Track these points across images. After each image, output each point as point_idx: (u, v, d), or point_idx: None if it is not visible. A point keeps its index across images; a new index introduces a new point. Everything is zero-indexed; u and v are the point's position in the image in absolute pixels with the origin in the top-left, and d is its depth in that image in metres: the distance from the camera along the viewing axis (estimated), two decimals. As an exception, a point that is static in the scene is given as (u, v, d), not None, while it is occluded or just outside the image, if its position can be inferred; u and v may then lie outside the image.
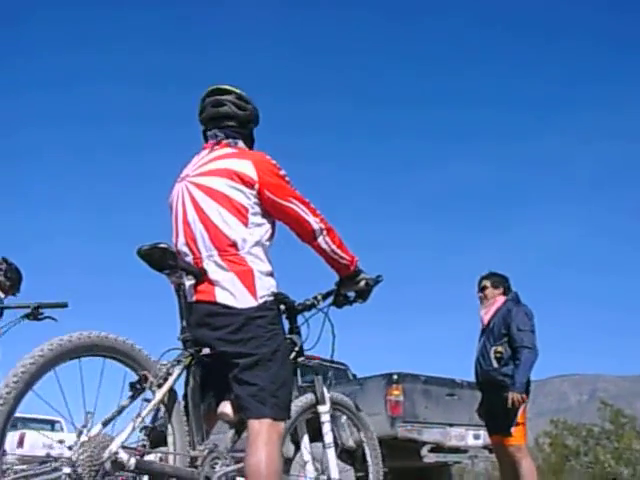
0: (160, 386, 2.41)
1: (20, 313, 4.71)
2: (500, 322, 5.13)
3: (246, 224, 2.56)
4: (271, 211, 2.64)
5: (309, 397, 2.94)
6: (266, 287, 2.56)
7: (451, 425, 7.85)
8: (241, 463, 2.53)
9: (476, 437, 7.98)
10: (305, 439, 2.93)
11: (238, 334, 2.47)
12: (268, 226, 2.65)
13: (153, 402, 2.38)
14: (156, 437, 2.50)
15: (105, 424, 2.32)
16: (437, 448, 7.75)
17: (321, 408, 2.92)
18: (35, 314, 4.64)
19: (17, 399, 2.05)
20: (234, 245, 2.54)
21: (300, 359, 2.83)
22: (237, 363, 2.47)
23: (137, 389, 2.41)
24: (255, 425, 2.41)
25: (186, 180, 2.70)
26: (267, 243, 2.64)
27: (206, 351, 2.55)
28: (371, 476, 3.23)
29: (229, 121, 2.76)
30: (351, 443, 5.81)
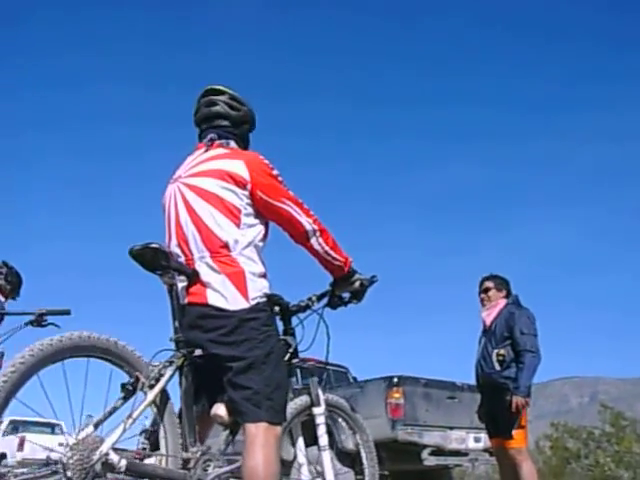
0: (152, 387, 2.39)
1: (24, 319, 4.74)
2: (503, 325, 5.12)
3: (238, 225, 2.55)
4: (263, 212, 2.62)
5: (304, 399, 2.91)
6: (258, 288, 2.54)
7: (452, 428, 7.83)
8: (234, 464, 2.51)
9: (477, 440, 7.97)
10: (300, 441, 2.90)
11: (231, 336, 2.46)
12: (261, 227, 2.63)
13: (144, 403, 2.36)
14: (156, 440, 2.50)
15: (96, 426, 2.31)
16: (438, 451, 7.73)
17: (316, 410, 2.89)
18: (39, 321, 4.68)
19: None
20: (226, 246, 2.52)
21: (295, 361, 2.81)
22: (230, 367, 2.45)
23: (129, 390, 2.39)
24: (252, 429, 2.39)
25: (178, 181, 2.69)
26: (260, 244, 2.62)
27: (199, 352, 2.54)
28: (367, 479, 3.21)
29: (222, 120, 2.76)
30: (351, 446, 5.80)
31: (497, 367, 5.07)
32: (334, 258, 2.72)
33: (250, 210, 2.59)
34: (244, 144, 2.81)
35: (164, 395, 2.47)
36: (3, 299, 5.13)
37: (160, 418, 2.46)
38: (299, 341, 2.85)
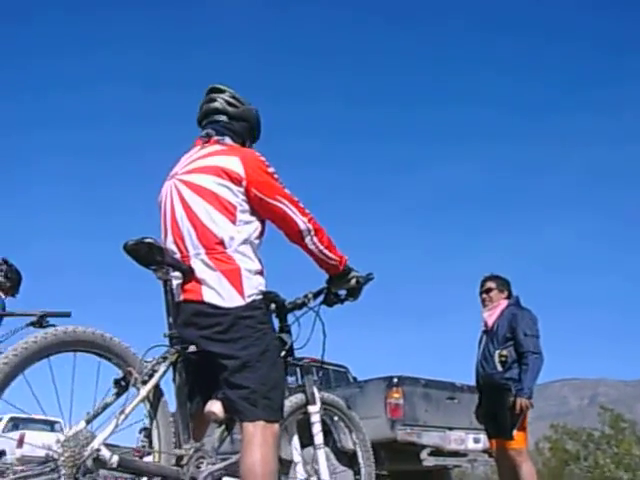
0: (145, 383, 2.37)
1: (26, 320, 4.76)
2: (505, 326, 5.11)
3: (234, 222, 2.54)
4: (258, 209, 2.60)
5: (299, 397, 2.90)
6: (254, 286, 2.53)
7: (451, 429, 7.84)
8: (227, 461, 2.51)
9: (476, 441, 7.98)
10: (295, 440, 2.89)
11: (226, 334, 2.45)
12: (257, 224, 2.62)
13: (137, 399, 2.34)
14: (150, 437, 2.49)
15: (88, 422, 2.30)
16: (437, 451, 7.75)
17: (311, 408, 2.88)
18: (40, 322, 4.70)
19: None
20: (221, 243, 2.51)
21: (289, 358, 2.80)
22: (226, 365, 2.44)
23: (122, 386, 2.38)
24: (249, 428, 2.39)
25: (175, 178, 2.69)
26: (256, 241, 2.61)
27: (193, 348, 2.52)
28: (363, 478, 3.20)
29: (219, 116, 2.79)
30: (350, 445, 5.82)
31: (499, 368, 5.06)
32: (329, 257, 2.72)
33: (246, 207, 2.58)
34: (241, 141, 2.80)
35: (157, 391, 2.45)
36: (3, 296, 5.14)
37: (153, 414, 2.45)
38: (295, 339, 2.84)
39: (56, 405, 2.24)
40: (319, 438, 2.84)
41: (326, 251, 2.69)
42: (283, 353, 2.72)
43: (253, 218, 2.61)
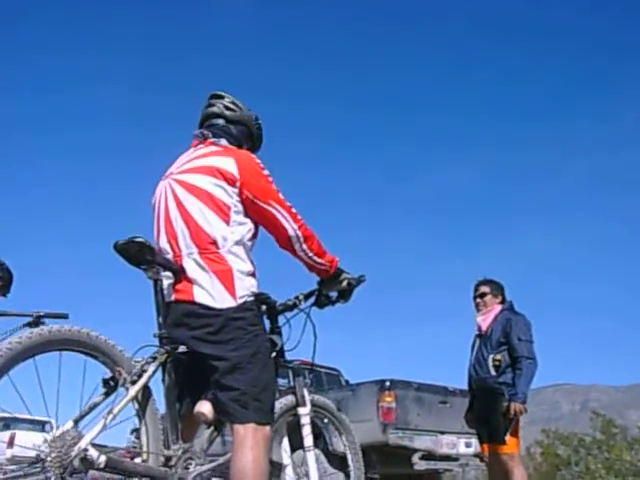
0: (134, 383, 2.36)
1: (22, 321, 4.73)
2: (499, 330, 5.11)
3: (227, 222, 2.53)
4: (249, 211, 2.60)
5: (289, 399, 2.90)
6: (246, 287, 2.52)
7: (443, 433, 7.83)
8: (215, 462, 2.50)
9: (468, 445, 7.98)
10: (285, 442, 2.89)
11: (217, 335, 2.44)
12: (251, 225, 2.62)
13: (126, 399, 2.33)
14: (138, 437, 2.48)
15: (76, 422, 2.29)
16: (428, 455, 7.74)
17: (301, 410, 2.87)
18: (37, 323, 4.67)
19: None
20: (214, 243, 2.50)
21: (280, 360, 2.80)
22: (216, 366, 2.43)
23: (110, 386, 2.37)
24: (240, 430, 2.38)
25: (170, 177, 2.69)
26: (249, 243, 2.61)
27: (183, 348, 2.52)
28: None
29: (217, 119, 2.82)
30: (340, 448, 5.81)
31: (493, 372, 5.06)
32: (319, 263, 2.73)
33: (240, 208, 2.57)
34: (238, 144, 2.80)
35: (146, 391, 2.45)
36: (-6, 295, 5.10)
37: (142, 415, 2.44)
38: (286, 340, 2.84)
39: (44, 405, 2.23)
40: (309, 440, 2.83)
41: (316, 257, 2.70)
42: (273, 355, 2.71)
43: (247, 220, 2.60)
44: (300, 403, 2.89)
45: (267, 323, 2.78)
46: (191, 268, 2.50)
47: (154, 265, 2.49)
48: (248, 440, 2.36)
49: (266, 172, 2.63)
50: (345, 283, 2.87)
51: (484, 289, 5.38)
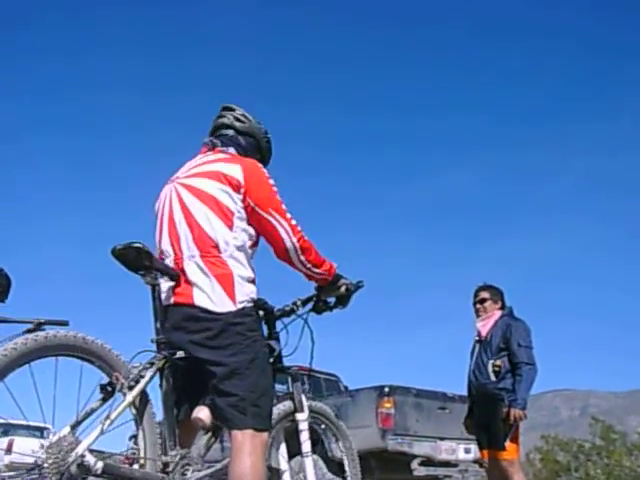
0: (131, 388, 2.36)
1: (22, 328, 4.71)
2: (499, 336, 5.10)
3: (231, 227, 2.55)
4: (250, 219, 2.61)
5: (287, 405, 2.89)
6: (246, 293, 2.54)
7: (442, 439, 7.83)
8: (212, 468, 2.50)
9: (467, 451, 7.97)
10: (282, 448, 2.88)
11: (215, 340, 2.45)
12: (253, 232, 2.64)
13: (123, 404, 2.32)
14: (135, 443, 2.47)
15: (73, 427, 2.28)
16: (427, 461, 7.74)
17: (299, 416, 2.87)
18: (37, 329, 4.65)
19: None
20: (216, 247, 2.52)
21: (278, 365, 2.80)
22: (214, 371, 2.44)
23: (108, 391, 2.36)
24: (238, 436, 2.38)
25: (176, 181, 2.71)
26: (250, 250, 2.63)
27: (180, 354, 2.51)
28: None
29: (226, 130, 2.87)
30: (338, 454, 5.80)
31: (492, 378, 5.05)
32: (317, 273, 2.74)
33: (243, 214, 2.59)
34: (245, 155, 2.82)
35: (144, 397, 2.44)
36: (-8, 301, 5.09)
37: (139, 420, 2.43)
38: (283, 346, 2.85)
39: (41, 411, 2.22)
40: (307, 446, 2.84)
41: (313, 268, 2.72)
42: (271, 360, 2.72)
43: (249, 227, 2.62)
44: (298, 409, 2.89)
45: (265, 329, 2.78)
46: (192, 271, 2.51)
47: (152, 270, 2.49)
48: (246, 446, 2.36)
49: (271, 181, 2.66)
50: (343, 289, 2.88)
51: (484, 295, 5.37)
